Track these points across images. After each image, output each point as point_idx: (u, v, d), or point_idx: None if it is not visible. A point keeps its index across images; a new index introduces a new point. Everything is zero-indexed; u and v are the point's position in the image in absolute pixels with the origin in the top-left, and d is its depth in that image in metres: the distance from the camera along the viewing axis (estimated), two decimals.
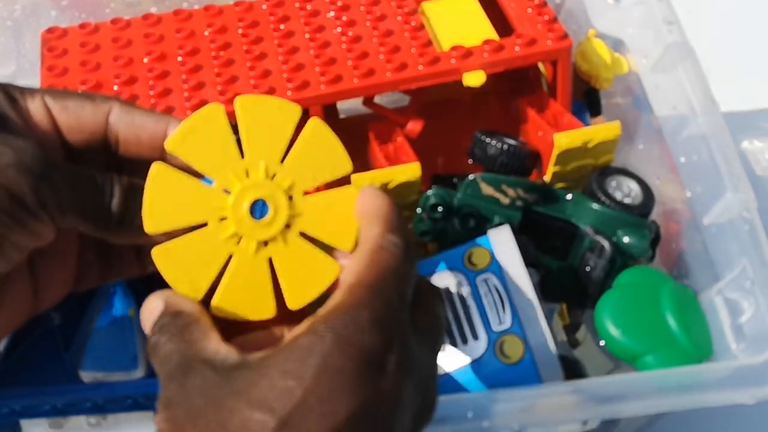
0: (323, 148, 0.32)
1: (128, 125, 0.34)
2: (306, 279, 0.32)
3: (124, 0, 0.58)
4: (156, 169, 0.31)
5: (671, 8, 0.51)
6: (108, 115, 0.34)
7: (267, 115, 0.32)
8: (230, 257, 0.31)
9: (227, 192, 0.31)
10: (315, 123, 0.32)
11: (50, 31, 0.52)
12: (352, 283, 0.29)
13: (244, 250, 0.31)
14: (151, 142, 0.34)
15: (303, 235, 0.32)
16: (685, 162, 0.48)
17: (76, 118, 0.34)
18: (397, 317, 0.29)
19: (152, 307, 0.31)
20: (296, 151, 0.32)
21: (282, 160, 0.31)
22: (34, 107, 0.34)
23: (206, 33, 0.51)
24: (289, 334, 0.29)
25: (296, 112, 0.32)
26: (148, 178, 0.31)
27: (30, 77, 0.53)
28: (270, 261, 0.31)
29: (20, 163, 0.30)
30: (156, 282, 0.32)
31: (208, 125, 0.31)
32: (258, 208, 0.31)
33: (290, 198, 0.32)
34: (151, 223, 0.31)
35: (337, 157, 0.32)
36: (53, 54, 0.50)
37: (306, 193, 0.32)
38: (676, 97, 0.49)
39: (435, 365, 0.32)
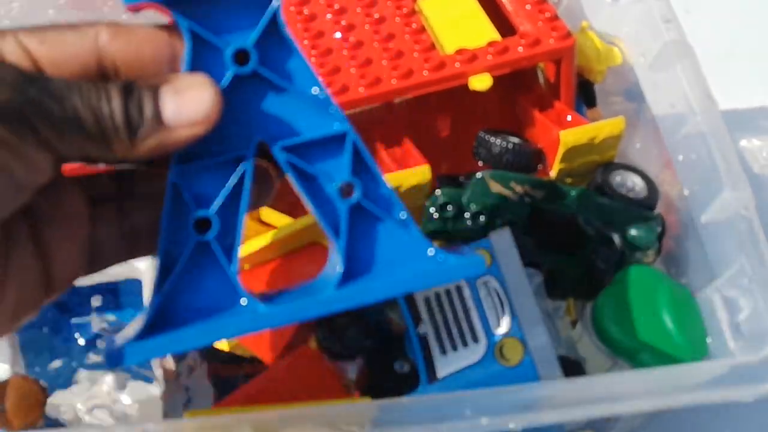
0: None
1: (125, 45, 0.30)
2: None
3: None
4: None
5: (669, 6, 0.51)
6: (96, 40, 0.30)
7: None
8: None
9: None
10: None
11: None
12: None
13: None
14: (156, 56, 0.30)
15: None
16: (683, 160, 0.48)
17: (60, 51, 0.29)
18: None
19: None
20: None
21: None
22: (8, 48, 0.29)
23: None
24: None
25: None
26: None
27: None
28: None
29: None
30: None
31: None
32: None
33: None
34: None
35: None
36: None
37: None
38: (674, 95, 0.49)
39: None
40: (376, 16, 0.51)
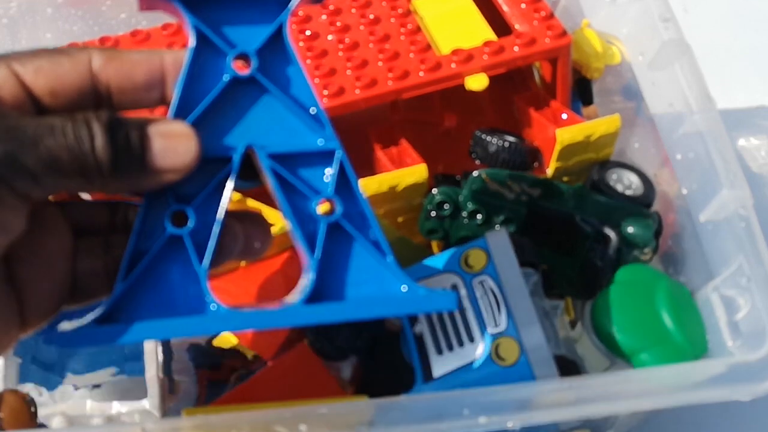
0: None
1: (118, 69, 0.30)
2: None
3: None
4: None
5: (667, 5, 0.51)
6: (90, 65, 0.30)
7: None
8: None
9: None
10: None
11: None
12: None
13: None
14: (148, 82, 0.30)
15: None
16: (681, 159, 0.48)
17: (55, 79, 0.29)
18: None
19: None
20: None
21: None
22: (1, 77, 0.28)
23: None
24: None
25: None
26: None
27: None
28: None
29: None
30: None
31: None
32: None
33: None
34: None
35: None
36: None
37: None
38: (672, 94, 0.48)
39: None
40: (371, 16, 0.51)
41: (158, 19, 0.55)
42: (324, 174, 0.32)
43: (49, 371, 0.51)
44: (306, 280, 0.31)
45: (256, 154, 0.31)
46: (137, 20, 0.56)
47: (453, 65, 0.48)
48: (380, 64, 0.48)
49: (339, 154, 0.32)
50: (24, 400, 0.44)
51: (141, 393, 0.49)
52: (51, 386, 0.52)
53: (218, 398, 0.44)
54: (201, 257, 0.30)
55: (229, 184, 0.31)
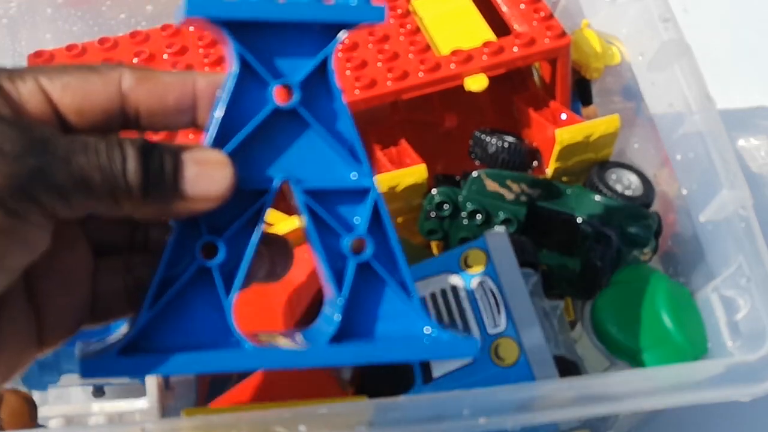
0: None
1: (149, 91, 0.29)
2: None
3: None
4: None
5: (667, 5, 0.51)
6: (119, 85, 0.28)
7: None
8: None
9: None
10: None
11: (37, 54, 0.51)
12: None
13: None
14: (179, 105, 0.29)
15: None
16: (681, 159, 0.48)
17: (83, 97, 0.28)
18: None
19: None
20: None
21: None
22: (27, 91, 0.27)
23: (200, 50, 0.51)
24: None
25: None
26: None
27: None
28: None
29: None
30: None
31: None
32: None
33: None
34: None
35: None
36: None
37: None
38: (672, 94, 0.48)
39: None
40: None
41: (158, 20, 0.55)
42: (358, 212, 0.31)
43: (44, 371, 0.51)
44: (332, 317, 0.31)
45: (291, 188, 0.31)
46: (137, 20, 0.56)
47: (452, 66, 0.48)
48: (380, 64, 0.48)
49: (374, 192, 0.31)
50: (24, 400, 0.44)
51: (140, 393, 0.49)
52: (46, 386, 0.51)
53: (218, 398, 0.44)
54: (228, 290, 0.30)
55: (262, 218, 0.30)
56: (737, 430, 0.57)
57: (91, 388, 0.53)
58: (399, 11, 0.52)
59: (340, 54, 0.49)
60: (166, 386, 0.49)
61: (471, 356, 0.34)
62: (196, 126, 0.31)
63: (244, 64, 0.30)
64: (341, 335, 0.31)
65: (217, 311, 0.30)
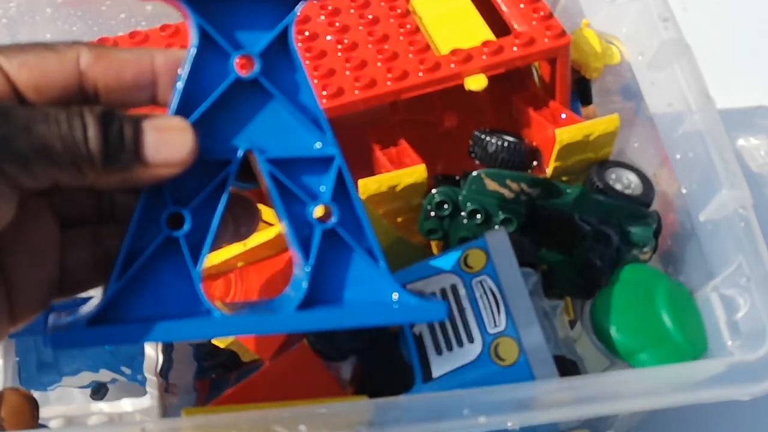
0: None
1: (106, 68, 0.29)
2: None
3: None
4: None
5: (667, 5, 0.51)
6: (77, 62, 0.29)
7: None
8: None
9: None
10: None
11: None
12: None
13: None
14: (137, 81, 0.30)
15: None
16: (681, 158, 0.48)
17: (40, 74, 0.28)
18: None
19: None
20: None
21: None
22: None
23: None
24: None
25: None
26: None
27: None
28: None
29: None
30: None
31: None
32: None
33: None
34: None
35: None
36: None
37: None
38: (672, 93, 0.48)
39: None
40: (370, 17, 0.51)
41: (157, 20, 0.55)
42: (322, 180, 0.32)
43: (43, 372, 0.51)
44: (300, 284, 0.31)
45: (255, 158, 0.31)
46: (136, 20, 0.56)
47: (452, 65, 0.48)
48: (379, 64, 0.48)
49: (338, 160, 0.31)
50: (25, 399, 0.43)
51: (140, 392, 0.49)
52: (45, 387, 0.52)
53: (218, 398, 0.44)
54: (196, 259, 0.30)
55: (227, 188, 0.31)
56: (737, 430, 0.57)
57: (89, 390, 0.53)
58: (398, 11, 0.52)
59: (339, 54, 0.49)
60: (166, 388, 0.49)
61: (439, 319, 0.34)
62: (157, 103, 0.31)
63: (204, 35, 0.30)
64: (309, 302, 0.31)
65: (185, 280, 0.30)
